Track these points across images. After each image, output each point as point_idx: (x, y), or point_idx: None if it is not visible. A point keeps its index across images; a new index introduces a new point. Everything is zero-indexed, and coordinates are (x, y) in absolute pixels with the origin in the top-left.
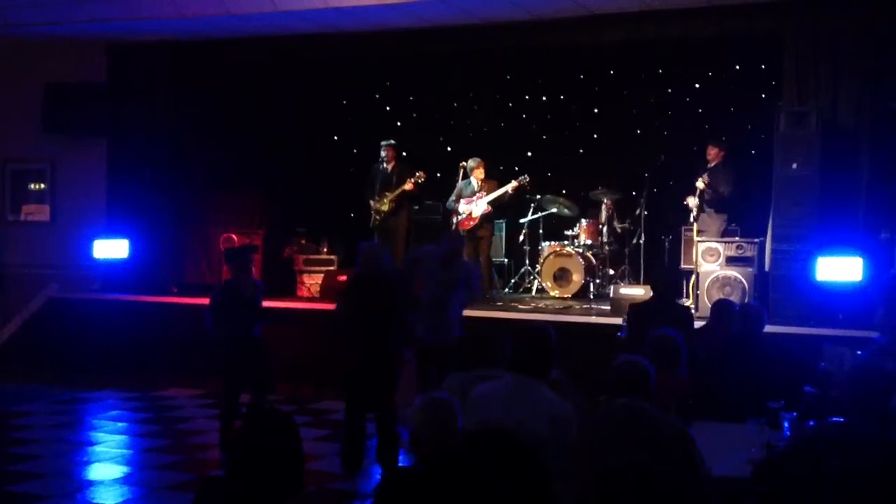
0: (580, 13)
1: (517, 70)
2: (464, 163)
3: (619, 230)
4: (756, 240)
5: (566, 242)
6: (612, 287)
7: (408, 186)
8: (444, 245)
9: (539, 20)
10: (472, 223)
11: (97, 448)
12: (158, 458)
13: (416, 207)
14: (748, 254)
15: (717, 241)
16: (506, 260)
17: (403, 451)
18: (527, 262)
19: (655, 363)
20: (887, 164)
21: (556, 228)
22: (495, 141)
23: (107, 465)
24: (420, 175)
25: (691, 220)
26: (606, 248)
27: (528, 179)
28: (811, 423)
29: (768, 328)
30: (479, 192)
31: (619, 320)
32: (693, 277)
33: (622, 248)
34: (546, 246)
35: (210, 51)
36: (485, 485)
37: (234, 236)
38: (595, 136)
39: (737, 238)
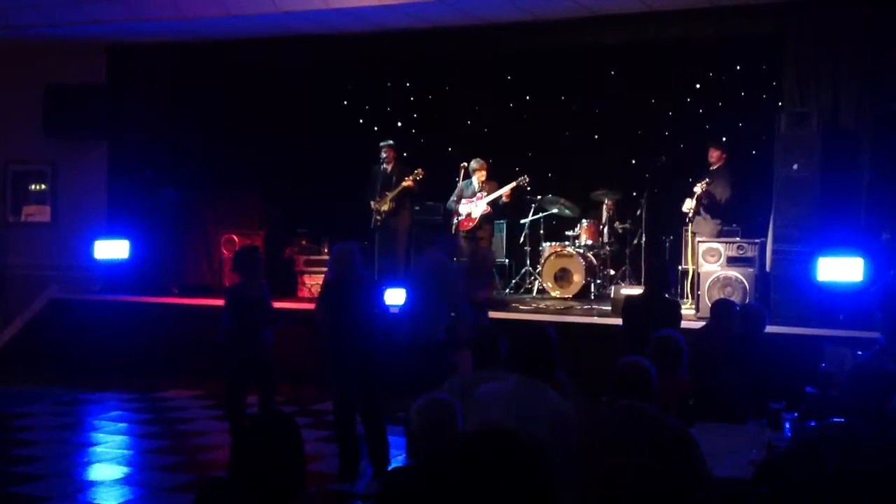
0: (581, 14)
1: (518, 71)
2: (465, 163)
3: (619, 231)
4: (757, 240)
5: (567, 243)
6: (612, 287)
7: (407, 183)
8: (446, 250)
9: (540, 21)
10: (471, 224)
11: (98, 449)
12: (159, 459)
13: (417, 208)
14: (749, 254)
15: (718, 242)
16: (506, 260)
17: (404, 450)
18: (528, 262)
19: (656, 364)
20: (888, 164)
21: (556, 229)
22: (496, 141)
23: (108, 465)
24: (418, 172)
25: (687, 222)
26: (607, 248)
27: (527, 180)
28: (812, 423)
29: (769, 329)
30: (479, 192)
31: (620, 321)
32: (688, 276)
33: (623, 248)
34: (547, 246)
35: (211, 52)
36: (485, 485)
37: (234, 237)
38: (596, 136)
39: (738, 238)
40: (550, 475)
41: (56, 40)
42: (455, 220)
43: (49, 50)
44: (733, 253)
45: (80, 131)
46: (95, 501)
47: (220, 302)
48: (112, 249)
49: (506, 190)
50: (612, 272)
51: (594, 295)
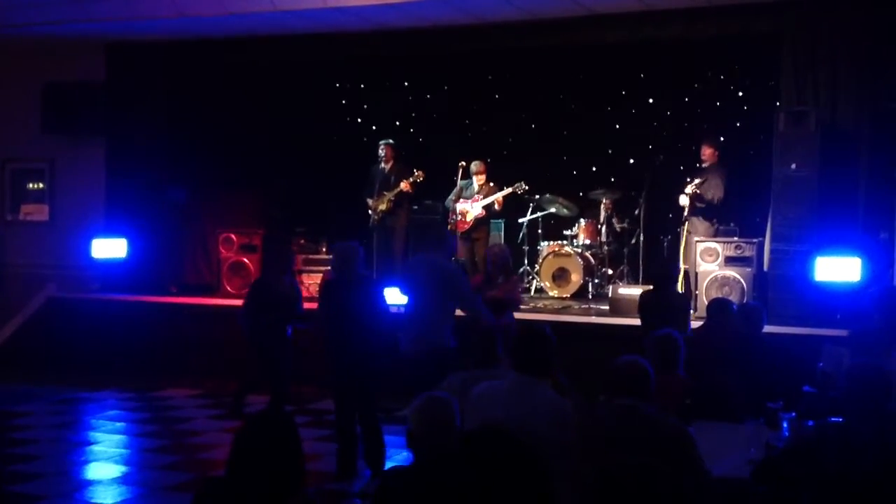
0: (579, 13)
1: (517, 70)
2: (463, 162)
3: (618, 230)
4: (755, 240)
5: (565, 242)
6: (610, 287)
7: (404, 187)
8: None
9: (539, 20)
10: (466, 226)
11: (96, 448)
12: (157, 458)
13: (415, 207)
14: (747, 254)
15: (716, 241)
16: None
17: (406, 451)
18: (525, 261)
19: (654, 363)
20: (886, 164)
21: (554, 228)
22: (495, 140)
23: (105, 464)
24: (419, 175)
25: (683, 220)
26: (605, 247)
27: (525, 188)
28: (810, 423)
29: (767, 328)
30: (477, 194)
31: (618, 320)
32: (681, 275)
33: (621, 247)
34: (545, 246)
35: (209, 50)
36: (484, 484)
37: (233, 236)
38: (594, 135)
39: (735, 238)
40: (548, 474)
41: (55, 38)
42: (452, 219)
43: (48, 48)
44: (731, 252)
45: (78, 129)
46: (93, 500)
47: (217, 301)
48: (110, 248)
49: (499, 196)
50: (611, 271)
51: (592, 294)
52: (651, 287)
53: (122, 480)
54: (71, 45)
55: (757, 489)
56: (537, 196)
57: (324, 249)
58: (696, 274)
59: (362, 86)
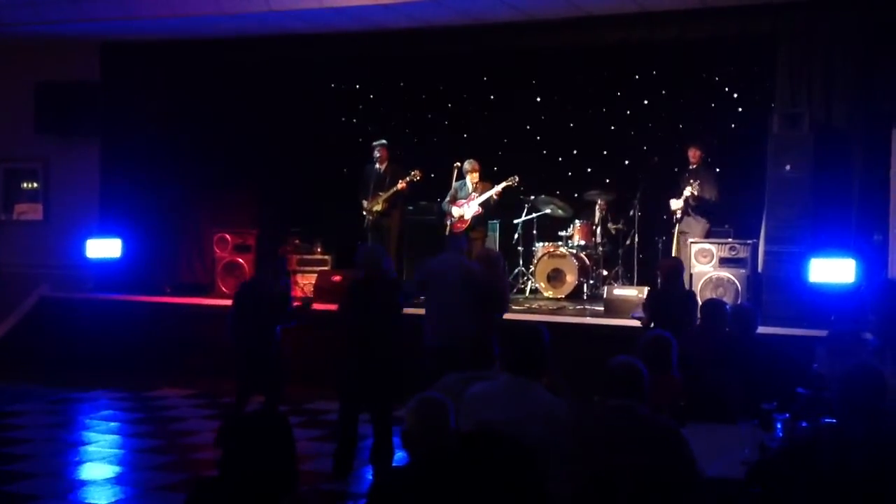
0: (575, 14)
1: (512, 70)
2: (458, 163)
3: (612, 231)
4: (749, 241)
5: (560, 243)
6: (605, 288)
7: (400, 186)
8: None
9: (534, 21)
10: (463, 226)
11: (89, 448)
12: (151, 458)
13: (410, 208)
14: (741, 255)
15: (710, 243)
16: None
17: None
18: (520, 262)
19: (648, 364)
20: (880, 166)
21: (549, 229)
22: (489, 141)
23: (99, 465)
24: (415, 174)
25: (674, 222)
26: (600, 248)
27: (517, 180)
28: (804, 424)
29: (761, 329)
30: (472, 194)
31: (612, 321)
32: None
33: (616, 248)
34: (540, 247)
35: (204, 50)
36: (478, 485)
37: (227, 236)
38: (589, 136)
39: (730, 239)
40: (542, 474)
41: (50, 38)
42: (448, 222)
43: (42, 47)
44: (725, 254)
45: (72, 129)
46: (87, 500)
47: (211, 301)
48: (104, 248)
49: (496, 190)
50: (605, 272)
51: (587, 295)
52: (659, 282)
53: (116, 480)
54: (65, 44)
55: (751, 490)
56: (532, 197)
57: (318, 250)
58: (691, 275)
59: (357, 86)
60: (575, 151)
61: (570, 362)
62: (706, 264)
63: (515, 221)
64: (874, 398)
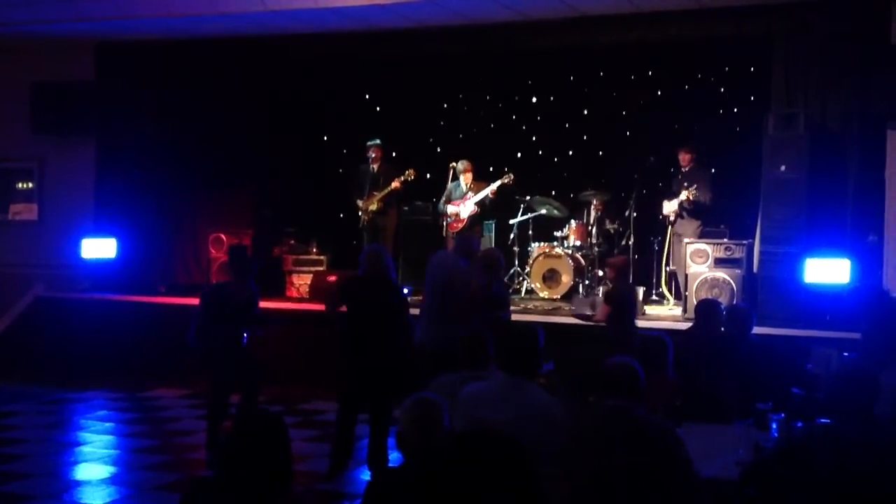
0: (569, 14)
1: (507, 71)
2: (453, 163)
3: (608, 231)
4: (744, 241)
5: (555, 243)
6: (601, 288)
7: (395, 186)
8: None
9: (529, 21)
10: (460, 225)
11: (84, 448)
12: (146, 458)
13: (406, 208)
14: (736, 255)
15: (706, 243)
16: None
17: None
18: (516, 263)
19: (643, 365)
20: (875, 166)
21: (545, 229)
22: (484, 142)
23: (94, 465)
24: (410, 173)
25: (668, 224)
26: (595, 249)
27: (512, 178)
28: (799, 424)
29: (756, 330)
30: (467, 193)
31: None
32: (663, 276)
33: (611, 249)
34: (535, 247)
35: (200, 50)
36: (473, 485)
37: (222, 236)
38: (584, 137)
39: (725, 240)
40: (538, 474)
41: (45, 37)
42: (444, 223)
43: (37, 47)
44: (721, 254)
45: (67, 129)
46: (81, 501)
47: None
48: (99, 248)
49: (491, 188)
50: (601, 273)
51: (582, 295)
52: (692, 324)
53: (111, 481)
54: (60, 44)
55: (746, 491)
56: (528, 197)
57: (314, 250)
58: (686, 275)
59: (351, 85)
60: (570, 152)
61: (565, 363)
62: (702, 265)
63: (511, 222)
64: (868, 398)
